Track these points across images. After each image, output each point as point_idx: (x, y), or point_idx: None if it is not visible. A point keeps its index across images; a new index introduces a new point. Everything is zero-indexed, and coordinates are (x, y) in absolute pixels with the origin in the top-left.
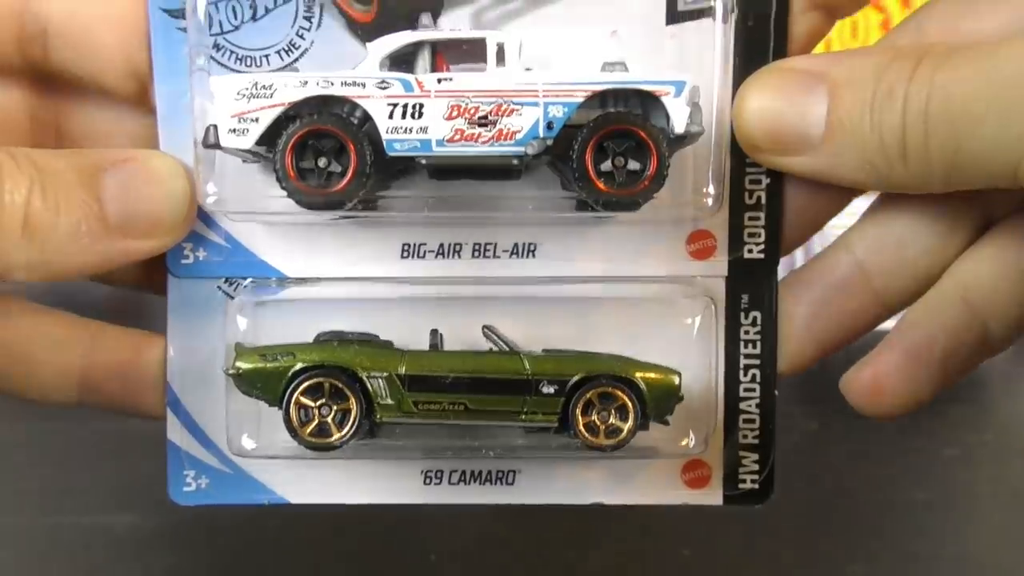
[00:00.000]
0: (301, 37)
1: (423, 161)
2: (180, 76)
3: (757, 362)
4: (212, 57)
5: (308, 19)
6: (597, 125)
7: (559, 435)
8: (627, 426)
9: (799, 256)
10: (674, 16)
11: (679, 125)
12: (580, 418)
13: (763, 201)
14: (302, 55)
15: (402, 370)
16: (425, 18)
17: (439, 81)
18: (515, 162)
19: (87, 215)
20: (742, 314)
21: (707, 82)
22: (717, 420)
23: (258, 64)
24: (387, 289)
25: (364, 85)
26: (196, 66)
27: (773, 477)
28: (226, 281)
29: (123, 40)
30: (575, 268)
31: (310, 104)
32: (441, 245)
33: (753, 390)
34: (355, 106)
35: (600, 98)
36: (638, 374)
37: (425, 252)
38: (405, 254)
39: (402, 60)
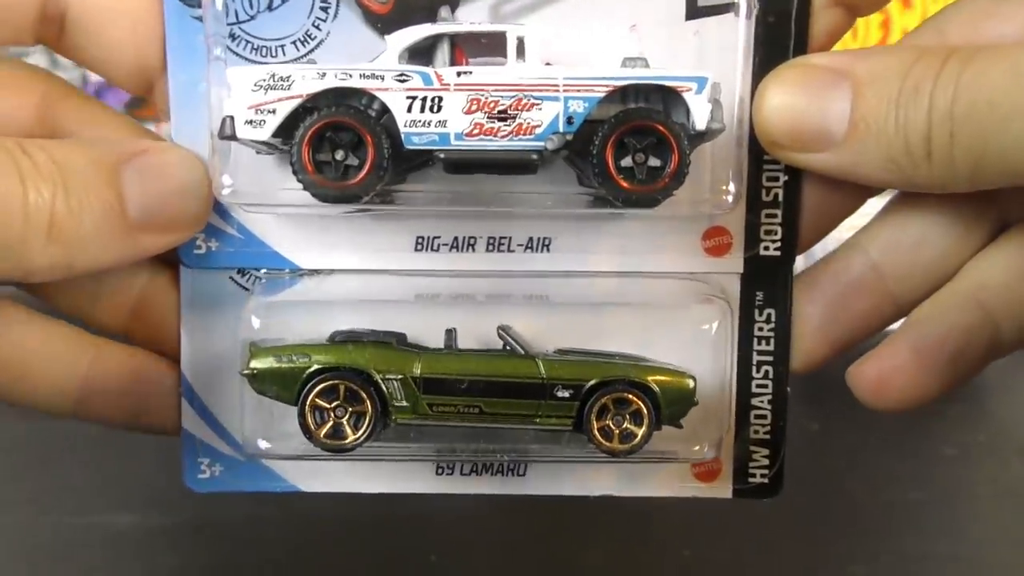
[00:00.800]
0: (317, 28)
1: (441, 155)
2: (193, 66)
3: (770, 359)
4: (227, 47)
5: (325, 10)
6: (618, 121)
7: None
8: (641, 431)
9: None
10: (694, 11)
11: (700, 121)
12: (595, 423)
13: (780, 198)
14: (318, 46)
15: (417, 372)
16: (444, 11)
17: (458, 75)
18: (534, 157)
19: (109, 214)
20: (756, 311)
21: (728, 78)
22: (729, 415)
23: (273, 54)
24: (401, 283)
25: (383, 78)
26: (213, 55)
27: (783, 472)
28: (239, 272)
29: (135, 33)
30: (590, 263)
31: (328, 96)
32: (455, 238)
33: (765, 386)
34: (373, 99)
35: (621, 94)
36: (653, 379)
37: (439, 245)
38: (419, 247)
39: (421, 53)
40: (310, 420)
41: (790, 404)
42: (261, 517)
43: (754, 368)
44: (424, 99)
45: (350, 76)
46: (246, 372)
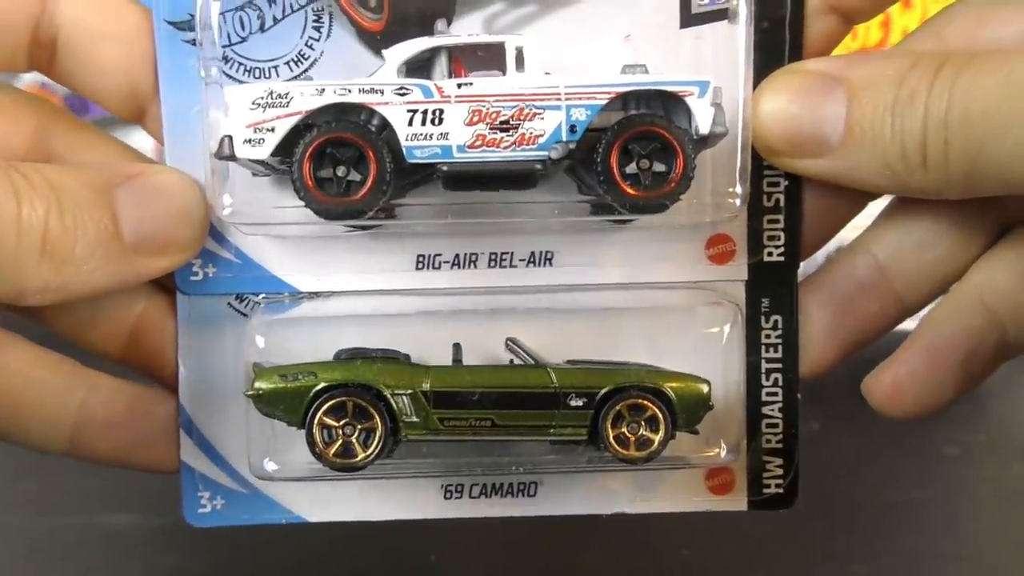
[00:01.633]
0: (311, 47)
1: (444, 168)
2: (186, 89)
3: (779, 366)
4: (220, 69)
5: (317, 29)
6: (622, 127)
7: (588, 448)
8: (658, 437)
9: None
10: (689, 19)
11: (704, 126)
12: (610, 431)
13: (782, 204)
14: (312, 65)
15: (427, 386)
16: (441, 24)
17: (459, 86)
18: (538, 167)
19: (104, 235)
20: (763, 318)
21: (723, 84)
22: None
23: (267, 76)
24: (404, 302)
25: (382, 92)
26: (209, 78)
27: (798, 481)
28: (237, 298)
29: (126, 57)
30: (593, 276)
31: (327, 112)
32: (456, 255)
33: (776, 394)
34: (373, 113)
35: (623, 100)
36: (667, 384)
37: (440, 263)
38: (420, 265)
39: (419, 67)
40: (318, 439)
41: None
42: None
43: (763, 376)
44: (425, 112)
45: (349, 91)
46: (250, 393)
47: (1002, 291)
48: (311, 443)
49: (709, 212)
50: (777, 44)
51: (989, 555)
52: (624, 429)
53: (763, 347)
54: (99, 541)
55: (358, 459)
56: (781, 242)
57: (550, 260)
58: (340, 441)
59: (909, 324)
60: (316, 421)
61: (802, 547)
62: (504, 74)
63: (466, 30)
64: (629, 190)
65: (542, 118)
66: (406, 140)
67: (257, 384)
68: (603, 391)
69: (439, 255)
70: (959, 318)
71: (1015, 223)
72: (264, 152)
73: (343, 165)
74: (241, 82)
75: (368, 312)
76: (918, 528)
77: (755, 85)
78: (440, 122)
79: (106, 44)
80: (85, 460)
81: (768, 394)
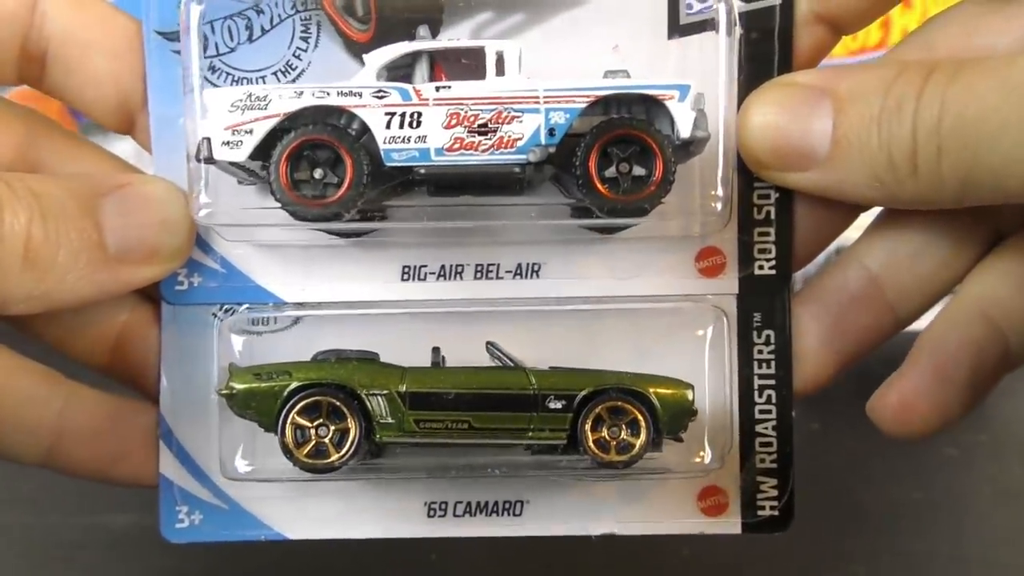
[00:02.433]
0: (298, 58)
1: (422, 171)
2: (174, 100)
3: (772, 382)
4: (207, 79)
5: (305, 39)
6: (600, 130)
7: (567, 455)
8: (639, 441)
9: None
10: (676, 29)
11: (685, 129)
12: (590, 434)
13: (772, 216)
14: (299, 76)
15: (403, 387)
16: (423, 29)
17: (437, 89)
18: (517, 171)
19: (87, 244)
20: (755, 333)
21: (711, 93)
22: (732, 443)
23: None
24: (388, 308)
25: (361, 95)
26: (190, 88)
27: (793, 503)
28: (221, 307)
29: (116, 69)
30: (581, 288)
31: (306, 115)
32: (442, 267)
33: (769, 412)
34: (352, 116)
35: (603, 104)
36: (649, 387)
37: (426, 274)
38: (406, 276)
39: (400, 72)
40: (290, 439)
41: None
42: None
43: (756, 393)
44: (403, 115)
45: (327, 94)
46: (224, 391)
47: (1002, 301)
48: (283, 443)
49: (697, 219)
50: (766, 55)
51: (989, 555)
52: (604, 433)
53: (755, 362)
54: (99, 541)
55: (332, 459)
56: (772, 255)
57: (537, 272)
58: (313, 442)
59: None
60: (289, 421)
61: (802, 547)
62: (484, 77)
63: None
64: (608, 193)
65: (520, 121)
66: (384, 143)
67: (231, 383)
68: (582, 393)
69: (424, 266)
70: (961, 332)
71: (1010, 231)
72: (242, 154)
73: (320, 167)
74: None
75: (353, 315)
76: (918, 528)
77: (745, 97)
78: (418, 125)
79: (96, 56)
80: (62, 472)
81: (761, 411)
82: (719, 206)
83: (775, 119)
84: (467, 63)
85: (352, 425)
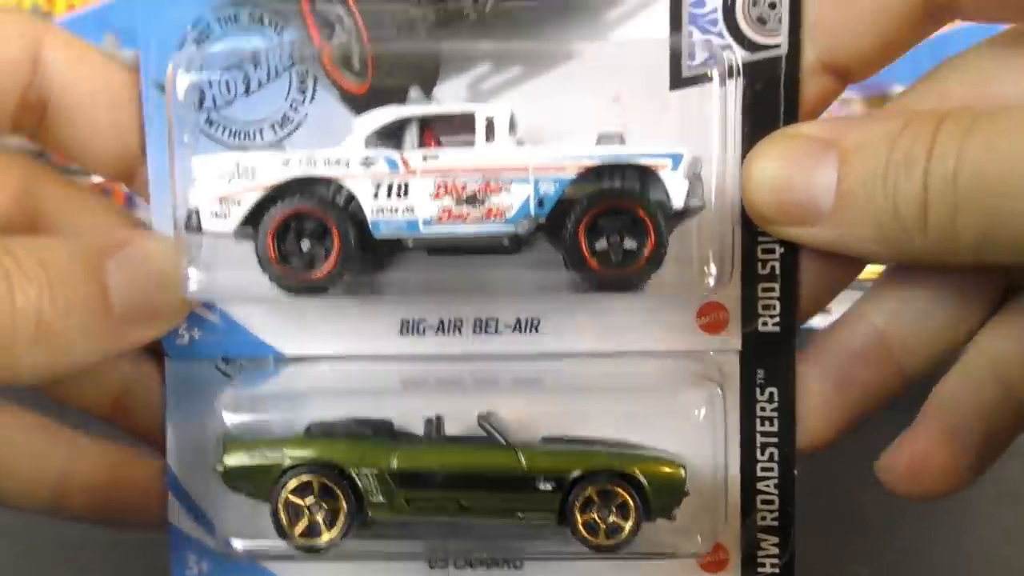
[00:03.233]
0: (295, 110)
1: (410, 243)
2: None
3: (775, 440)
4: (204, 131)
5: (302, 91)
6: (590, 203)
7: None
8: (628, 525)
9: None
10: (678, 81)
11: (678, 200)
12: (579, 516)
13: (777, 271)
14: (296, 129)
15: (394, 466)
16: (414, 91)
17: (425, 159)
18: (505, 242)
19: (94, 310)
20: (758, 390)
21: (715, 148)
22: (731, 502)
23: (251, 138)
24: (387, 367)
25: (348, 164)
26: (181, 142)
27: (794, 561)
28: (223, 360)
29: (115, 120)
30: (581, 344)
31: (293, 185)
32: (441, 321)
33: (771, 469)
34: (340, 186)
35: (595, 172)
36: (639, 469)
37: (424, 328)
38: (404, 331)
39: (390, 134)
40: (284, 519)
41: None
42: None
43: (758, 450)
44: (391, 185)
45: (315, 164)
46: (219, 469)
47: (1013, 361)
48: (276, 523)
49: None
50: (772, 105)
51: (989, 555)
52: (594, 515)
53: (758, 420)
54: (99, 541)
55: (323, 540)
56: (776, 311)
57: (536, 327)
58: (306, 521)
59: None
60: (282, 500)
61: (802, 546)
62: (474, 144)
63: (451, 92)
64: (598, 268)
65: (509, 192)
66: (372, 214)
67: (225, 460)
68: (573, 475)
69: (423, 320)
70: (972, 392)
71: (1018, 286)
72: (230, 225)
73: (307, 239)
74: (224, 144)
75: (351, 377)
76: (918, 528)
77: (750, 147)
78: (406, 195)
79: (98, 108)
80: (69, 519)
81: (763, 469)
82: (711, 282)
83: (778, 172)
84: (457, 125)
85: (343, 505)
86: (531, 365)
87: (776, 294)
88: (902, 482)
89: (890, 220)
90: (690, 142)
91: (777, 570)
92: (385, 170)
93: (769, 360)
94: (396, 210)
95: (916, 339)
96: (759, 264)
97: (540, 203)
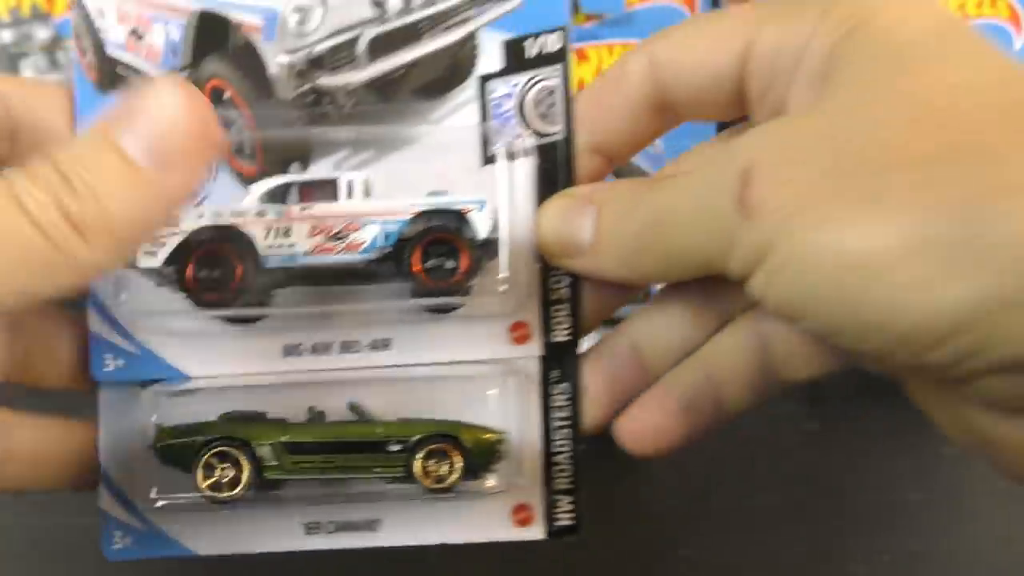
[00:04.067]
0: (203, 187)
1: (292, 268)
2: None
3: (568, 423)
4: None
5: (208, 173)
6: (421, 236)
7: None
8: (454, 476)
9: None
10: (486, 160)
11: (482, 232)
12: (419, 467)
13: (567, 297)
14: (204, 199)
15: (285, 439)
16: (295, 167)
17: (302, 209)
18: (362, 266)
19: (120, 170)
20: (553, 386)
21: (519, 207)
22: (535, 470)
23: None
24: (276, 378)
25: (246, 214)
26: None
27: (582, 515)
28: (141, 385)
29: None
30: (424, 356)
31: (206, 231)
32: (315, 344)
33: (565, 446)
34: (240, 231)
35: (426, 215)
36: (463, 433)
37: (302, 351)
38: (287, 353)
39: (277, 196)
40: (200, 477)
41: (791, 405)
42: None
43: (554, 432)
44: (277, 228)
45: (221, 215)
46: (158, 446)
47: (721, 361)
48: (195, 482)
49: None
50: (555, 176)
51: (989, 555)
52: (430, 465)
53: (554, 408)
54: (98, 541)
55: (231, 493)
56: (567, 326)
57: (388, 345)
58: (215, 479)
59: None
60: (200, 464)
61: (802, 546)
62: (337, 199)
63: (321, 169)
64: (428, 280)
65: (364, 230)
66: (263, 250)
67: (156, 441)
68: (414, 439)
69: (300, 344)
70: (682, 376)
71: (737, 314)
72: (157, 262)
73: (217, 268)
74: None
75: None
76: (918, 528)
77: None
78: (288, 235)
79: (65, 135)
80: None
81: (558, 445)
82: (503, 288)
83: (555, 220)
84: (325, 188)
85: (246, 468)
86: (386, 372)
87: (566, 313)
88: (629, 439)
89: (628, 252)
90: (495, 200)
91: (572, 522)
92: (273, 217)
93: (562, 362)
94: (281, 246)
95: (661, 348)
96: (551, 291)
97: (386, 237)
